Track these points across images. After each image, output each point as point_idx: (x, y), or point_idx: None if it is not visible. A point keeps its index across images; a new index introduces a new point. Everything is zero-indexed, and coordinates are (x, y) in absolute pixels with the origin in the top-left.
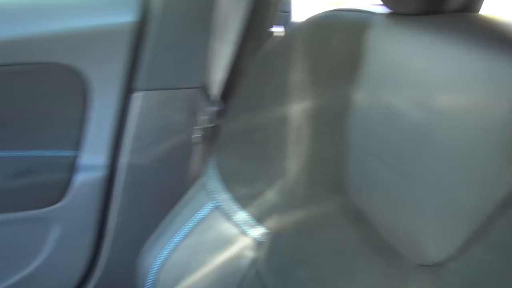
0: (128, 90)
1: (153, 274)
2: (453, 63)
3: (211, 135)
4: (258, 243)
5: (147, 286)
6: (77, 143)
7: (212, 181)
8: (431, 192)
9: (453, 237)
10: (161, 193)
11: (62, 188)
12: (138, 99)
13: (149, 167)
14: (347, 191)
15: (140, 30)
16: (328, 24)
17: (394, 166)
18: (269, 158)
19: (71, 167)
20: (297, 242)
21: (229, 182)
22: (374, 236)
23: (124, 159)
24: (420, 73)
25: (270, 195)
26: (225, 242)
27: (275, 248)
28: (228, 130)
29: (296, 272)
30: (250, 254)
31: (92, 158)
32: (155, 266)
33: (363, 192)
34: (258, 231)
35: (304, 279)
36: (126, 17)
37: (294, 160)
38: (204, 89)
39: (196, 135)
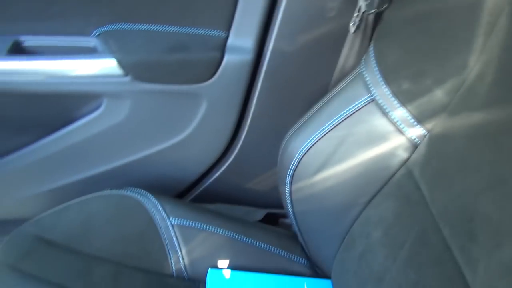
0: None
1: (297, 157)
2: None
3: (372, 23)
4: (413, 144)
5: (290, 168)
6: (227, 24)
7: (370, 72)
8: None
9: None
10: (304, 82)
11: (212, 67)
12: None
13: (296, 54)
14: None
15: None
16: None
17: None
18: (445, 51)
19: (221, 47)
20: (470, 146)
21: (390, 75)
22: None
23: (270, 44)
24: None
25: (439, 94)
26: (377, 138)
27: (438, 151)
28: (393, 16)
29: (464, 178)
30: (403, 154)
31: (241, 40)
32: (300, 150)
33: None
34: (415, 132)
35: (473, 186)
36: None
37: (480, 56)
38: None
39: (353, 23)
